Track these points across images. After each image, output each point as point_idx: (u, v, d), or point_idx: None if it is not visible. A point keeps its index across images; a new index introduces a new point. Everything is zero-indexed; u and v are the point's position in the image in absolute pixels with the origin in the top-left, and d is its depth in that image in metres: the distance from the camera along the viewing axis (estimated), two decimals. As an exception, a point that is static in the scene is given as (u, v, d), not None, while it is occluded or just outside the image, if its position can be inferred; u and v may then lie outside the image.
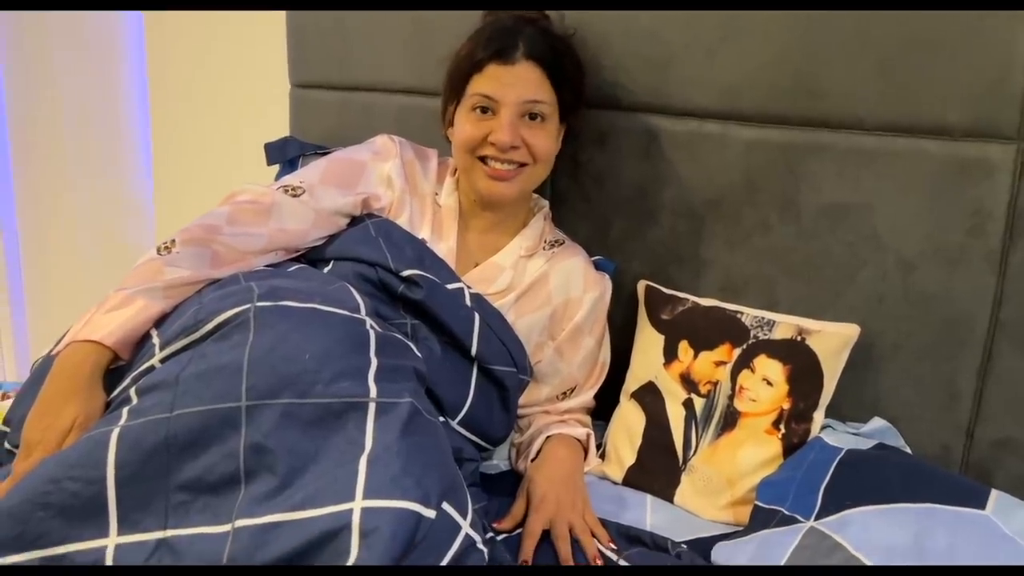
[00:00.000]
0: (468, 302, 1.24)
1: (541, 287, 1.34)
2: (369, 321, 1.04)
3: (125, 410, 0.94)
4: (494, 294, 1.31)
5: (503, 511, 1.19)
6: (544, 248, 1.37)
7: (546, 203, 1.43)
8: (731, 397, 1.27)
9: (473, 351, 1.21)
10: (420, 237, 1.29)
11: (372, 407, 0.93)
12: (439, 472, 0.93)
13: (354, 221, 1.29)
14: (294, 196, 1.25)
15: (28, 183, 2.35)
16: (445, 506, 0.91)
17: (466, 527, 0.93)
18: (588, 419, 1.41)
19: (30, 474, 0.90)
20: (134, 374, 1.02)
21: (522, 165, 1.27)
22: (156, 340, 1.04)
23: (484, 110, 1.25)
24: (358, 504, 0.85)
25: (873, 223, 1.26)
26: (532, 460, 1.28)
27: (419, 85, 1.60)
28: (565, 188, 1.49)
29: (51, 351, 1.13)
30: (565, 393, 1.39)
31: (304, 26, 1.76)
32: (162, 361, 1.01)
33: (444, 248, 1.31)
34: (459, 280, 1.26)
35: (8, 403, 1.99)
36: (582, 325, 1.35)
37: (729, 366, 1.29)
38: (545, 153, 1.28)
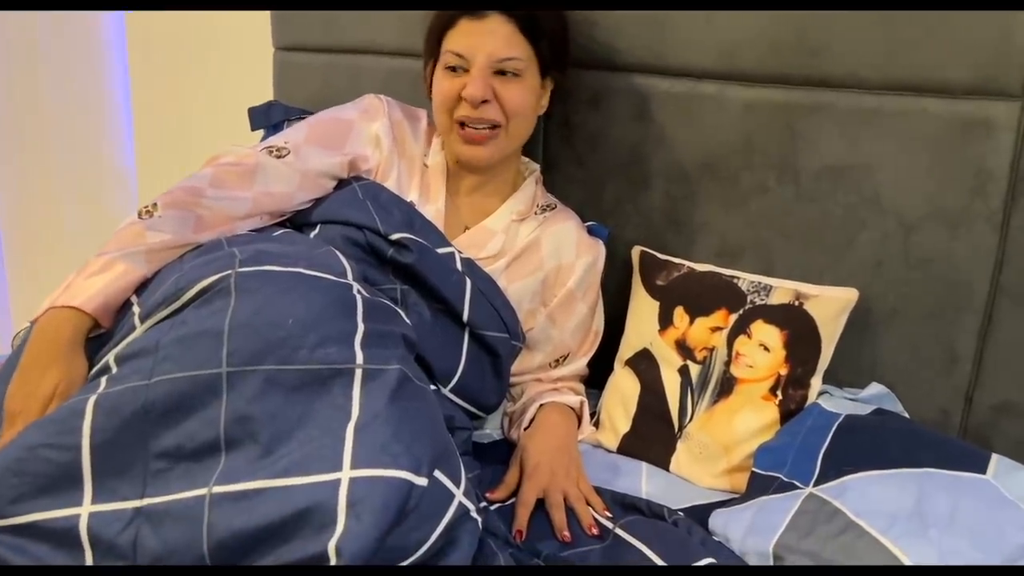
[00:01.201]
0: (459, 266, 1.21)
1: (533, 252, 1.31)
2: (356, 286, 1.02)
3: (104, 378, 0.92)
4: (485, 259, 1.28)
5: (496, 480, 1.17)
6: (536, 212, 1.34)
7: (537, 166, 1.40)
8: (727, 363, 1.26)
9: (465, 317, 1.19)
10: (408, 200, 1.26)
11: (359, 373, 0.91)
12: (430, 439, 0.91)
13: (341, 184, 1.25)
14: (279, 157, 1.21)
15: (6, 152, 2.30)
16: (437, 474, 0.89)
17: (459, 495, 0.91)
18: (581, 387, 1.39)
19: (9, 443, 0.88)
20: (115, 346, 0.99)
21: (495, 127, 1.23)
22: (137, 310, 1.01)
23: (455, 69, 1.22)
24: (346, 474, 0.83)
25: (873, 184, 1.24)
26: (525, 428, 1.27)
27: (408, 47, 1.56)
28: (557, 152, 1.46)
29: (33, 322, 1.10)
30: (558, 360, 1.37)
31: (288, -14, 1.71)
32: (145, 331, 0.98)
33: (432, 210, 1.28)
34: (449, 244, 1.23)
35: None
36: (575, 291, 1.33)
37: (725, 332, 1.27)
38: (519, 107, 1.23)
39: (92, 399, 0.87)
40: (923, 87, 1.19)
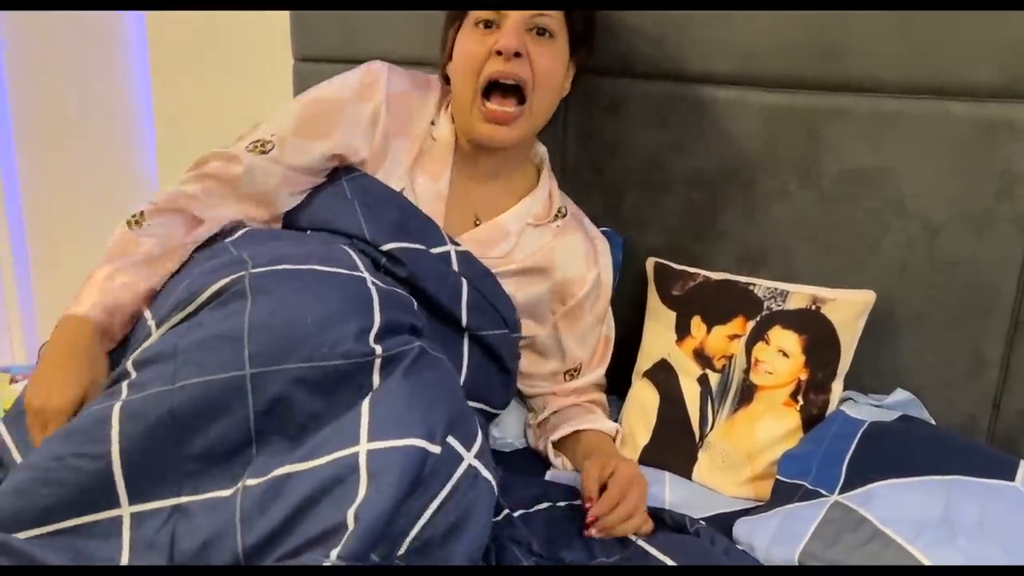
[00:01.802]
0: (455, 266, 1.17)
1: (545, 264, 1.27)
2: (370, 278, 1.01)
3: (124, 384, 0.92)
4: (494, 259, 1.23)
5: (518, 488, 1.16)
6: (551, 220, 1.29)
7: (543, 149, 1.32)
8: (747, 371, 1.25)
9: (463, 321, 1.16)
10: (401, 187, 1.20)
11: (378, 362, 0.93)
12: (444, 407, 0.92)
13: (331, 175, 1.21)
14: (263, 153, 1.16)
15: (32, 162, 2.33)
16: (450, 439, 0.90)
17: (469, 458, 0.92)
18: (603, 396, 1.37)
19: (33, 452, 0.90)
20: (133, 354, 0.99)
21: (521, 103, 1.16)
22: (151, 321, 1.02)
23: (488, 24, 1.15)
24: (363, 447, 0.85)
25: (897, 188, 1.23)
26: (554, 440, 1.26)
27: (426, 56, 1.55)
28: (576, 158, 1.45)
29: None
30: (570, 373, 1.34)
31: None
32: (161, 336, 0.99)
33: (433, 191, 1.21)
34: (446, 243, 1.18)
35: (18, 387, 1.98)
36: (583, 302, 1.29)
37: (743, 339, 1.26)
38: (549, 71, 1.17)
39: (117, 406, 0.88)
40: (946, 89, 1.18)
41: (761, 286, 1.28)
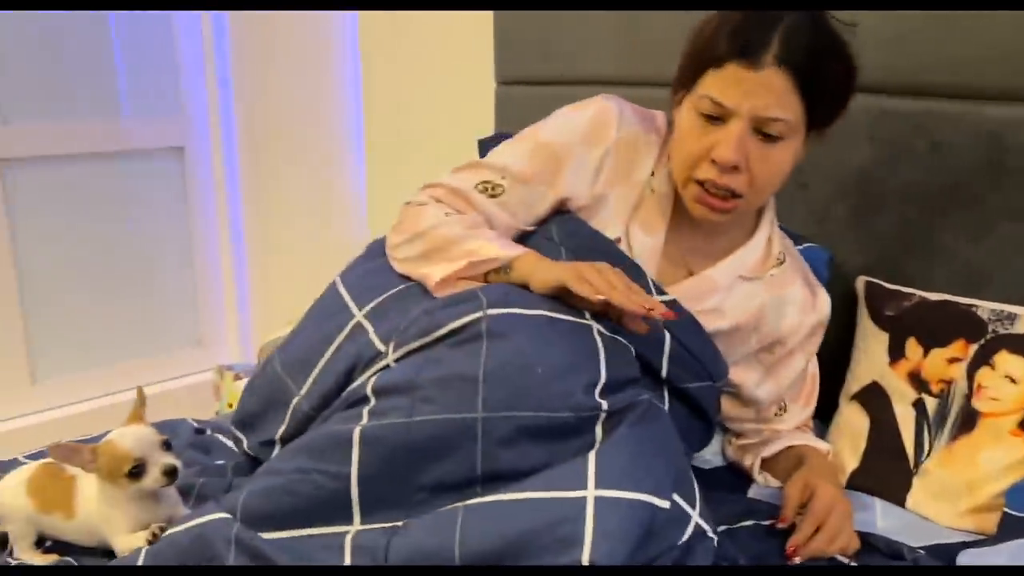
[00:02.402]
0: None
1: (756, 320, 1.20)
2: (596, 327, 1.03)
3: (365, 410, 0.98)
4: (701, 312, 1.16)
5: (721, 505, 1.15)
6: (767, 270, 1.21)
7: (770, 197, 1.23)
8: (968, 396, 1.19)
9: (663, 373, 1.12)
10: (616, 236, 1.17)
11: (603, 416, 0.95)
12: (668, 462, 0.93)
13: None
14: (492, 196, 1.17)
15: (251, 175, 2.53)
16: (675, 496, 0.91)
17: (695, 516, 0.92)
18: (811, 424, 1.33)
19: (280, 460, 0.98)
20: (369, 372, 1.05)
21: (735, 196, 1.08)
22: (384, 345, 1.06)
23: (713, 118, 1.06)
24: (591, 493, 0.86)
25: None
26: (765, 456, 1.25)
27: (626, 75, 1.60)
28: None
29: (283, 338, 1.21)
30: (778, 414, 1.29)
31: (511, 23, 1.80)
32: (396, 361, 1.04)
33: (649, 245, 1.17)
34: (651, 291, 1.13)
35: (241, 383, 2.17)
36: (795, 349, 1.23)
37: (965, 363, 1.20)
38: (770, 179, 1.08)
39: (357, 430, 0.94)
40: None
41: (985, 308, 1.22)
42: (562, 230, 1.17)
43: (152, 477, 0.94)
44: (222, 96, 2.48)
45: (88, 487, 0.98)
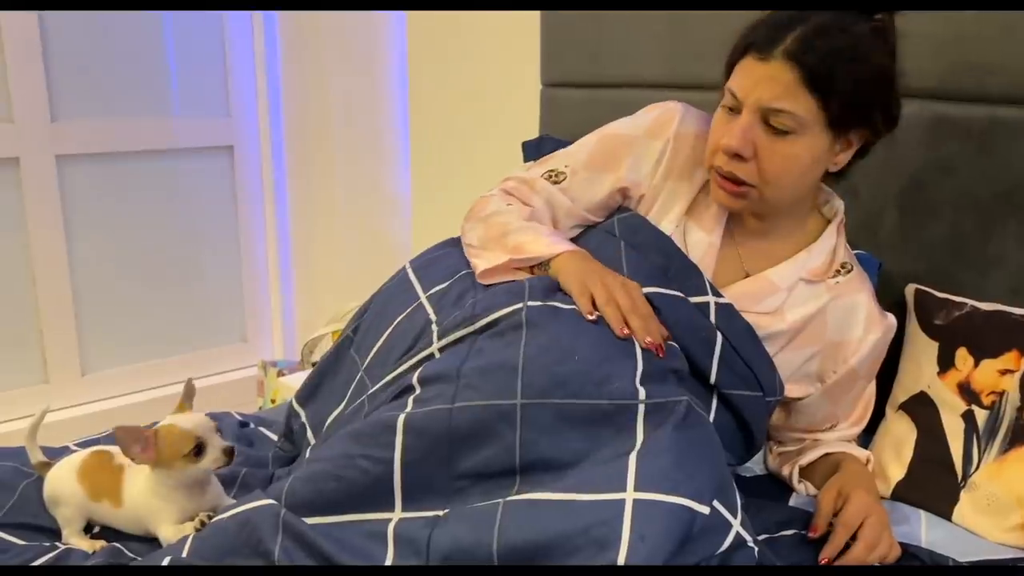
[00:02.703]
0: (713, 318, 1.12)
1: (817, 326, 1.17)
2: None
3: (410, 398, 1.00)
4: (759, 313, 1.15)
5: (762, 512, 1.14)
6: (830, 276, 1.19)
7: (840, 204, 1.22)
8: (1020, 409, 1.16)
9: (712, 379, 1.11)
10: (670, 231, 1.18)
11: (641, 408, 0.94)
12: (710, 468, 0.93)
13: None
14: (555, 182, 1.23)
15: (298, 179, 2.57)
16: (716, 503, 0.90)
17: (736, 525, 0.92)
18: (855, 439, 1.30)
19: (328, 446, 1.00)
20: (414, 360, 1.08)
21: (748, 186, 1.10)
22: (435, 328, 1.10)
23: (731, 109, 1.10)
24: (630, 495, 0.86)
25: None
26: (802, 465, 1.23)
27: (672, 78, 1.59)
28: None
29: (341, 332, 1.24)
30: (824, 429, 1.26)
31: (558, 25, 1.80)
32: (440, 350, 1.07)
33: (705, 242, 1.18)
34: (707, 292, 1.13)
35: (285, 379, 2.20)
36: (857, 369, 1.19)
37: (1018, 375, 1.17)
38: (779, 172, 1.08)
39: (401, 417, 0.96)
40: None
41: (1039, 319, 1.19)
42: (623, 225, 1.20)
43: (211, 457, 0.97)
44: (271, 96, 2.53)
45: (136, 477, 1.00)
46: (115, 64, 2.32)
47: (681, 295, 1.12)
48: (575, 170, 1.23)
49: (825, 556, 1.03)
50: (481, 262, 1.16)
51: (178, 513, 0.98)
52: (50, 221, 2.27)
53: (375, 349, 1.17)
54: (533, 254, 1.13)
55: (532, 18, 1.87)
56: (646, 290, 1.10)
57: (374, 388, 1.10)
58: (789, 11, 1.08)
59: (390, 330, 1.17)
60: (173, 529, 0.97)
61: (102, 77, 2.31)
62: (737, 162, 1.08)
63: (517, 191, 1.25)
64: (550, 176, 1.24)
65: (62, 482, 1.03)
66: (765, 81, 1.05)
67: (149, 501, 0.99)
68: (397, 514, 0.93)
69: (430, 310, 1.14)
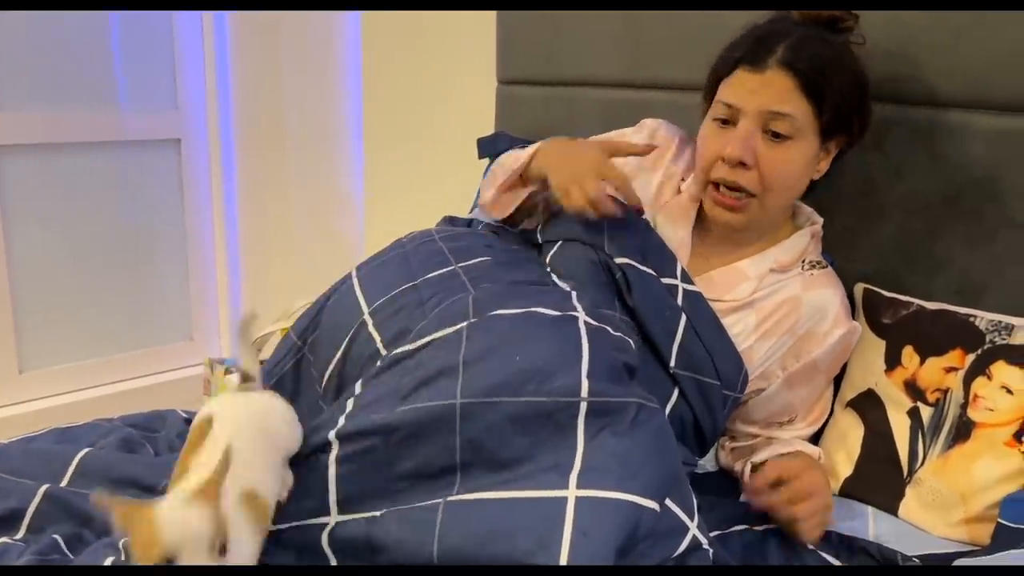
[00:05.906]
0: (679, 301, 1.15)
1: (791, 313, 1.20)
2: (583, 318, 1.02)
3: (349, 401, 0.97)
4: (727, 302, 1.19)
5: (713, 510, 1.14)
6: (802, 268, 1.23)
7: (820, 220, 1.27)
8: (964, 406, 1.18)
9: (672, 361, 1.13)
10: (646, 216, 1.22)
11: (583, 406, 0.91)
12: (661, 466, 0.91)
13: None
14: None
15: (248, 174, 2.52)
16: (669, 503, 0.89)
17: (693, 528, 0.91)
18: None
19: None
20: (356, 368, 1.05)
21: (749, 195, 1.14)
22: (380, 342, 1.06)
23: (725, 121, 1.15)
24: (572, 492, 0.84)
25: None
26: (755, 462, 1.23)
27: (628, 78, 1.60)
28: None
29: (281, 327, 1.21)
30: (782, 423, 1.28)
31: (514, 23, 1.80)
32: (381, 371, 1.01)
33: (676, 238, 1.22)
34: (676, 276, 1.17)
35: (231, 378, 2.14)
36: (819, 361, 1.22)
37: (961, 373, 1.20)
38: (780, 177, 1.13)
39: (332, 433, 0.92)
40: None
41: (983, 318, 1.22)
42: None
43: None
44: (220, 89, 2.47)
45: None
46: (58, 54, 2.25)
47: (654, 273, 1.15)
48: None
49: (751, 489, 1.07)
50: (485, 196, 1.28)
51: None
52: (-13, 213, 2.19)
53: (327, 375, 1.12)
54: (515, 165, 1.22)
55: (488, 16, 1.86)
56: (624, 260, 1.14)
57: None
58: (767, 26, 1.16)
59: (339, 355, 1.11)
60: None
61: (44, 67, 2.24)
62: (740, 170, 1.13)
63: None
64: None
65: None
66: (764, 88, 1.11)
67: None
68: (333, 518, 0.90)
69: (375, 333, 1.08)
